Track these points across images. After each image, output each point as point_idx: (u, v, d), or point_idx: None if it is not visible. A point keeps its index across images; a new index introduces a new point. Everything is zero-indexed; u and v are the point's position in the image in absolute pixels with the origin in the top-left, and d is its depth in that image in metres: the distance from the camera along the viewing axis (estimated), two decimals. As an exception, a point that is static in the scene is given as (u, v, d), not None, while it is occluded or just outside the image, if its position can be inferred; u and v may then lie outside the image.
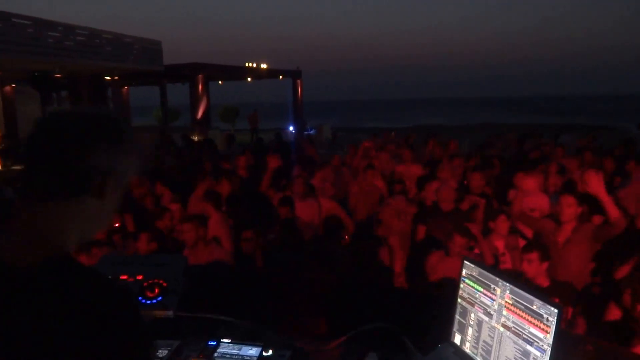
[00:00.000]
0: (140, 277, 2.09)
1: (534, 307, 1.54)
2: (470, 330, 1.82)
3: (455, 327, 1.90)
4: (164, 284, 2.05)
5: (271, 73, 23.19)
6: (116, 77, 12.58)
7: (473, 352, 1.80)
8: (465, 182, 6.08)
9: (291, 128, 22.60)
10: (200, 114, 17.56)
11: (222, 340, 2.02)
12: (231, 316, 2.02)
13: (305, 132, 22.35)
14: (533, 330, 1.54)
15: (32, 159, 1.00)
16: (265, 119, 31.09)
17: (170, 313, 2.02)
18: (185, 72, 17.33)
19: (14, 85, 14.84)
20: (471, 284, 1.84)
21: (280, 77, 24.71)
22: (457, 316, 1.90)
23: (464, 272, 1.89)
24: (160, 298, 2.02)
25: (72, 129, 1.00)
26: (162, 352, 1.99)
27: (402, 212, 5.27)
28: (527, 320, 1.56)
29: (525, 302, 1.58)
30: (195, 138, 16.23)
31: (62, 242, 0.99)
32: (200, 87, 17.47)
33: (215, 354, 1.97)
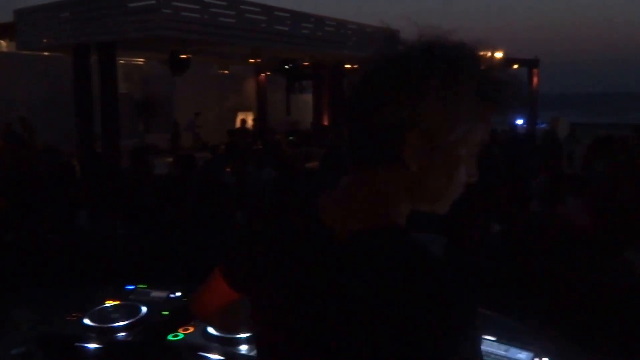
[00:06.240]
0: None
1: None
2: None
3: None
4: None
5: (506, 62, 21.77)
6: (355, 66, 13.26)
7: None
8: None
9: (520, 121, 20.90)
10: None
11: (485, 338, 1.89)
12: (498, 312, 1.88)
13: (536, 126, 20.44)
14: None
15: (350, 119, 0.89)
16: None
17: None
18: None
19: (268, 73, 16.84)
20: None
21: (515, 66, 23.05)
22: None
23: None
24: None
25: (375, 76, 0.88)
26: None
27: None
28: None
29: None
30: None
31: (388, 212, 0.87)
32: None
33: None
